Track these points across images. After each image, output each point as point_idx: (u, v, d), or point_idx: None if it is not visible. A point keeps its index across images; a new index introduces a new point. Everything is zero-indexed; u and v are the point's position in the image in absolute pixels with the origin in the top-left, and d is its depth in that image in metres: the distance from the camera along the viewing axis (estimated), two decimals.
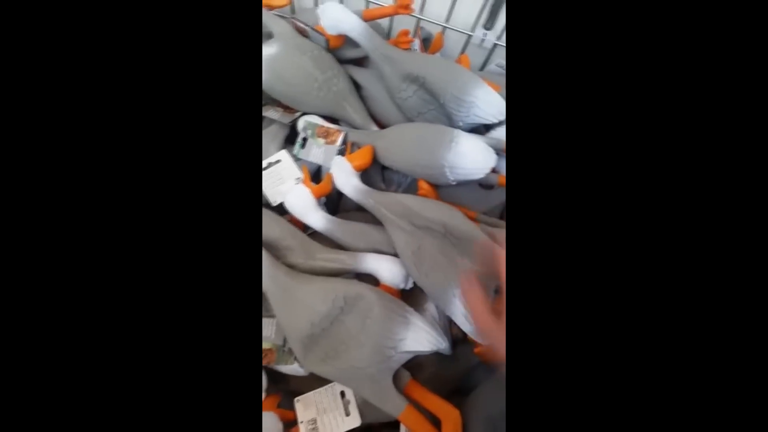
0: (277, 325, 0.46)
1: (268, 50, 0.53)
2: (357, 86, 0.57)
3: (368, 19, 0.55)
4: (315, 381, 0.45)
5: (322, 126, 0.54)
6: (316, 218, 0.48)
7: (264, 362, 0.45)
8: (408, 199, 0.46)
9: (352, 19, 0.53)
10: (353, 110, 0.56)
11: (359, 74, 0.58)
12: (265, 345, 0.45)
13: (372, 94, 0.57)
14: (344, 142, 0.53)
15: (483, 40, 0.63)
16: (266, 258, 0.42)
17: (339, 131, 0.53)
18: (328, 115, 0.56)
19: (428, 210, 0.44)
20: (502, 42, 0.62)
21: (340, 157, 0.50)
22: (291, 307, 0.41)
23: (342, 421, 0.42)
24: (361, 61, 0.59)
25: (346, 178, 0.49)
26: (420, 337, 0.40)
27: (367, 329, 0.39)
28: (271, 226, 0.45)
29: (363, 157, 0.50)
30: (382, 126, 0.56)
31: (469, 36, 0.63)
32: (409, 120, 0.55)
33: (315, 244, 0.47)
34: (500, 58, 0.64)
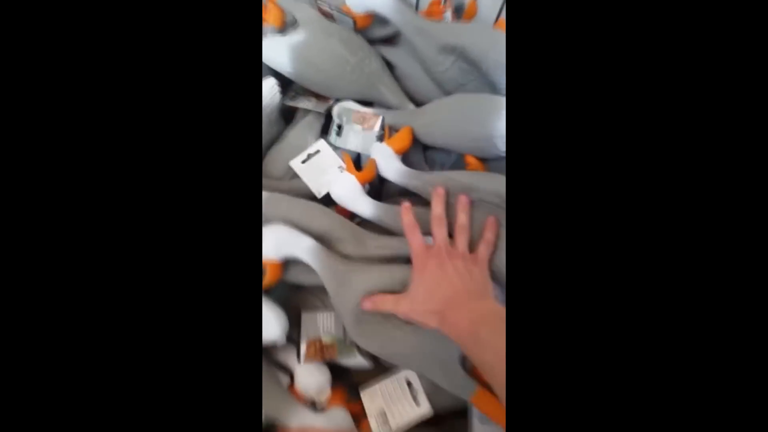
0: (335, 317, 0.45)
1: (295, 38, 0.51)
2: (390, 66, 0.55)
3: None
4: (379, 373, 0.45)
5: (358, 111, 0.51)
6: (364, 205, 0.46)
7: (326, 358, 0.44)
8: (457, 174, 0.44)
9: None
10: (388, 91, 0.53)
11: (391, 53, 0.55)
12: (325, 339, 0.45)
13: (406, 72, 0.54)
14: (383, 127, 0.51)
15: None
16: (321, 249, 0.41)
17: (376, 116, 0.51)
18: (362, 98, 0.54)
19: (480, 182, 0.42)
20: None
21: (379, 143, 0.48)
22: (349, 295, 0.40)
23: (412, 411, 0.41)
24: (391, 40, 0.57)
25: (388, 163, 0.47)
26: None
27: None
28: (320, 219, 0.44)
29: (403, 139, 0.48)
30: (419, 104, 0.54)
31: None
32: (449, 94, 0.52)
33: (365, 232, 0.45)
34: None
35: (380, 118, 0.50)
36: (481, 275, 0.38)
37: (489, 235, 0.39)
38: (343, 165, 0.49)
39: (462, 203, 0.41)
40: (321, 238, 0.43)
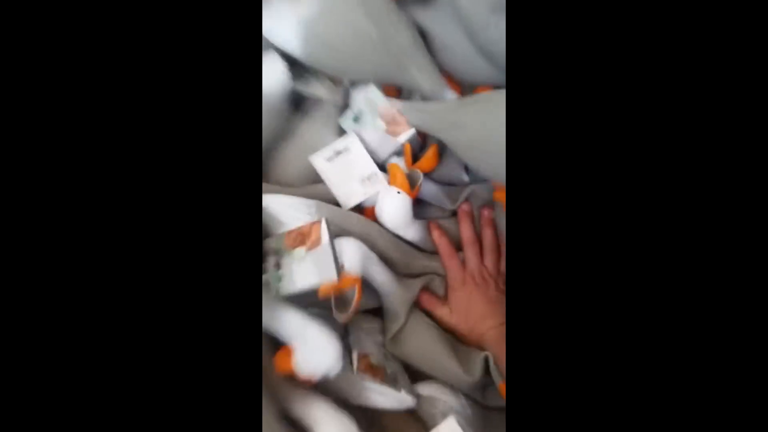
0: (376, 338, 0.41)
1: (304, 10, 0.40)
2: (425, 36, 0.43)
3: None
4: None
5: (388, 109, 0.41)
6: (413, 230, 0.42)
7: (374, 378, 0.38)
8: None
9: None
10: (419, 70, 0.41)
11: (424, 16, 0.43)
12: (373, 360, 0.39)
13: (445, 41, 0.42)
14: (412, 136, 0.42)
15: None
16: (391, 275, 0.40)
17: (407, 126, 0.41)
18: (385, 82, 0.43)
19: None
20: None
21: (391, 190, 0.40)
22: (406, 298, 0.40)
23: None
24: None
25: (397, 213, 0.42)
26: None
27: None
28: (382, 240, 0.41)
29: (429, 160, 0.43)
30: (461, 88, 0.43)
31: None
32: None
33: (412, 253, 0.44)
34: None
35: (411, 131, 0.41)
36: None
37: (504, 247, 0.43)
38: (376, 172, 0.41)
39: (485, 218, 0.44)
40: (385, 257, 0.41)
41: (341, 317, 0.36)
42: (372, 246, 0.39)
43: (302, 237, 0.37)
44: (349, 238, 0.38)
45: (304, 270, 0.36)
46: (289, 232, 0.38)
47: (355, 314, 0.37)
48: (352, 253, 0.37)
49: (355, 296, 0.36)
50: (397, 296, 0.40)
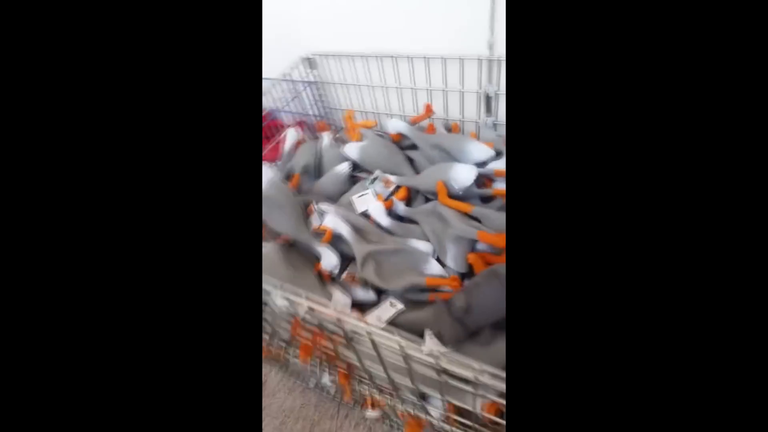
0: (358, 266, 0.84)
1: (362, 144, 1.03)
2: (410, 159, 1.02)
3: (414, 122, 1.03)
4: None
5: (385, 176, 0.98)
6: (385, 220, 0.89)
7: (353, 284, 0.81)
8: (430, 206, 0.86)
9: (405, 125, 1.01)
10: (406, 169, 0.99)
11: (412, 153, 1.03)
12: (356, 276, 0.83)
13: (419, 161, 1.01)
14: (394, 188, 0.96)
15: (486, 122, 1.04)
16: (354, 233, 0.84)
17: (392, 182, 0.96)
18: (392, 171, 1.01)
19: (448, 214, 0.83)
20: (500, 122, 1.03)
21: (378, 204, 0.91)
22: (360, 253, 0.80)
23: (392, 310, 0.74)
24: (414, 146, 1.05)
25: (380, 216, 0.90)
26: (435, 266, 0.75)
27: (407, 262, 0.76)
28: (362, 222, 0.88)
29: (402, 192, 0.93)
30: (420, 172, 0.98)
31: (477, 122, 1.06)
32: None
33: (384, 234, 0.87)
34: (500, 131, 1.03)
35: (394, 185, 0.95)
36: None
37: None
38: (376, 200, 0.94)
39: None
40: (359, 230, 0.86)
41: (321, 240, 0.85)
42: (356, 224, 0.85)
43: (311, 211, 0.89)
44: (333, 215, 0.85)
45: (312, 222, 0.87)
46: (309, 208, 0.90)
47: (327, 241, 0.84)
48: (329, 221, 0.83)
49: (326, 235, 0.85)
50: (355, 249, 0.79)
